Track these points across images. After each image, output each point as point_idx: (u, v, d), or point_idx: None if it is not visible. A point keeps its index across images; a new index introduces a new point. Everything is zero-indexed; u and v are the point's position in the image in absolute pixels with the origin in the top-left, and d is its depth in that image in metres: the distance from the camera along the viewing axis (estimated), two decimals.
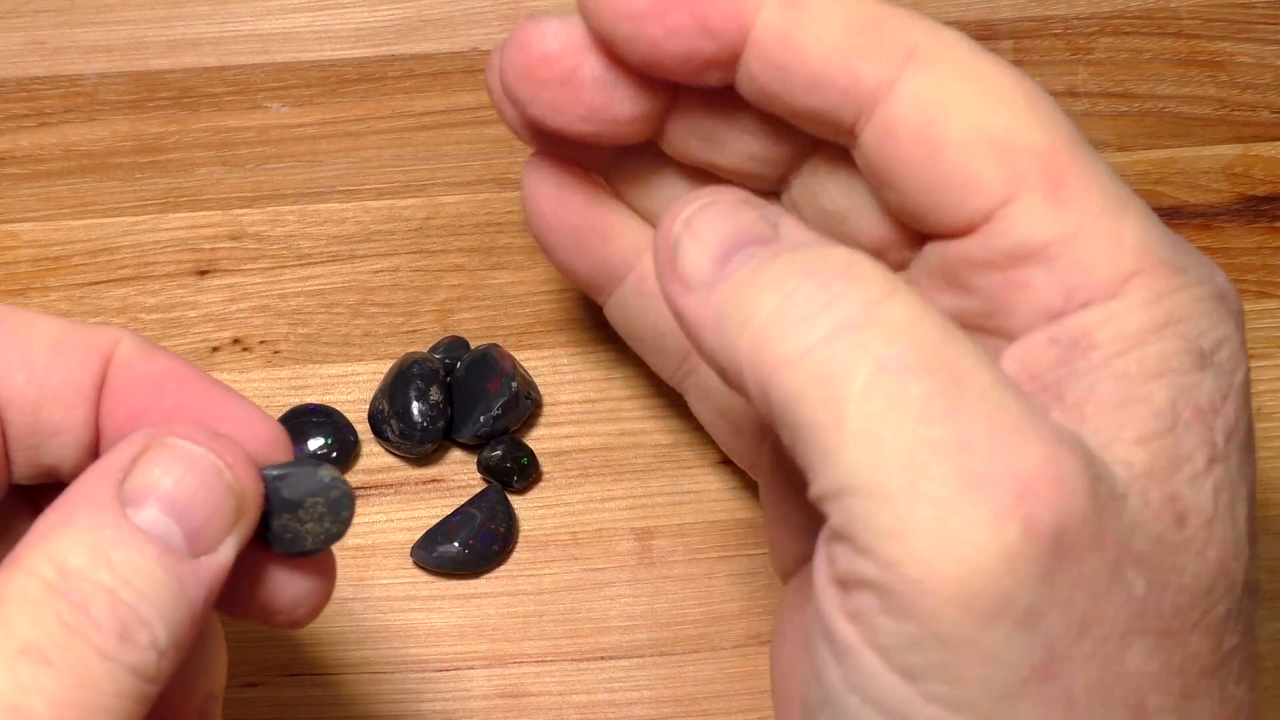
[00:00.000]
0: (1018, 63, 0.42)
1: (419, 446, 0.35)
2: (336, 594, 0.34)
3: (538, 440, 0.36)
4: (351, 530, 0.35)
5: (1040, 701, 0.21)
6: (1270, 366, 0.38)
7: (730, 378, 0.23)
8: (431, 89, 0.41)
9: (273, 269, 0.38)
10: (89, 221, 0.39)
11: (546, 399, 0.37)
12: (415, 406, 0.35)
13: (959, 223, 0.24)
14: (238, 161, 0.40)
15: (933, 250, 0.25)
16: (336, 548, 0.35)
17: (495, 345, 0.36)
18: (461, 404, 0.35)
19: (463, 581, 0.35)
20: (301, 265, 0.38)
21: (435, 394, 0.35)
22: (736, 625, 0.34)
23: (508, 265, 0.38)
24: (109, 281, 0.38)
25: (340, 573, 0.35)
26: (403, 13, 0.42)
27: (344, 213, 0.39)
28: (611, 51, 0.27)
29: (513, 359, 0.36)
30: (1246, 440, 0.23)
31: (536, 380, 0.37)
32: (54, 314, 0.24)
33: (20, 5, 0.42)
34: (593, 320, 0.38)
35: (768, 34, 0.25)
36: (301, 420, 0.36)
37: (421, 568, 0.35)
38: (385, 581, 0.35)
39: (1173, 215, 0.39)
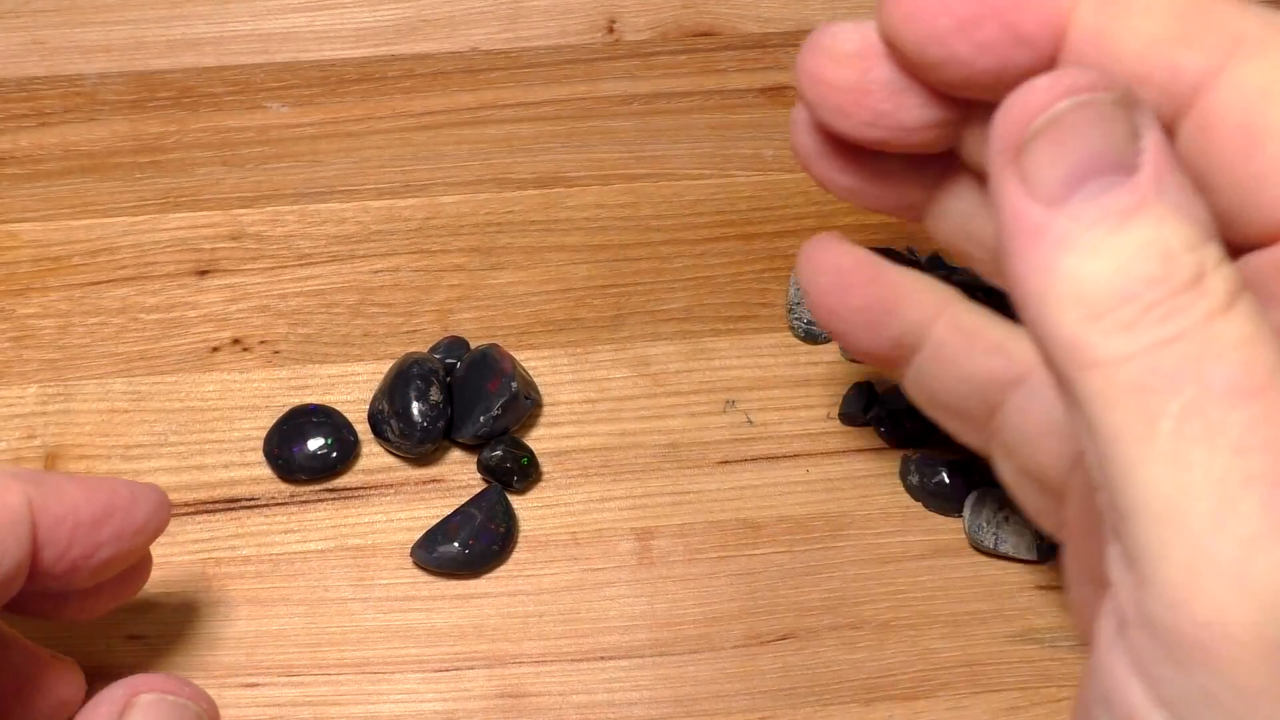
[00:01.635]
0: None
1: (419, 446, 0.35)
2: (336, 594, 0.34)
3: (538, 440, 0.36)
4: (351, 530, 0.35)
5: None
6: None
7: (1020, 309, 0.21)
8: (431, 89, 0.41)
9: (273, 269, 0.38)
10: (89, 221, 0.39)
11: (546, 399, 0.37)
12: (415, 406, 0.35)
13: (1275, 224, 0.22)
14: (238, 161, 0.40)
15: (1243, 263, 0.23)
16: (339, 545, 0.35)
17: (495, 345, 0.36)
18: (461, 404, 0.35)
19: (463, 581, 0.35)
20: (301, 265, 0.38)
21: (435, 394, 0.35)
22: (736, 625, 0.34)
23: (508, 265, 0.38)
24: (109, 281, 0.38)
25: (340, 573, 0.35)
26: (403, 13, 0.42)
27: (344, 213, 0.39)
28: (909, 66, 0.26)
29: (513, 359, 0.36)
30: None
31: (536, 380, 0.37)
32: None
33: (20, 5, 0.42)
34: (593, 320, 0.38)
35: (1083, 33, 0.23)
36: (302, 420, 0.36)
37: (421, 568, 0.35)
38: (385, 581, 0.35)
39: None
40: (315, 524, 0.35)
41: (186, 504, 0.35)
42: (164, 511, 0.30)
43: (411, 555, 0.35)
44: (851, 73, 0.26)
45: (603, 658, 0.34)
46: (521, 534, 0.35)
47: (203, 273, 0.38)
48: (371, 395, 0.36)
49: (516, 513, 0.35)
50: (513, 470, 0.35)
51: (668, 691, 0.33)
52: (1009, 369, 0.29)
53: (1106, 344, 0.20)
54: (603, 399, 0.37)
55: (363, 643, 0.34)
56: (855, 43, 0.26)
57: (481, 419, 0.35)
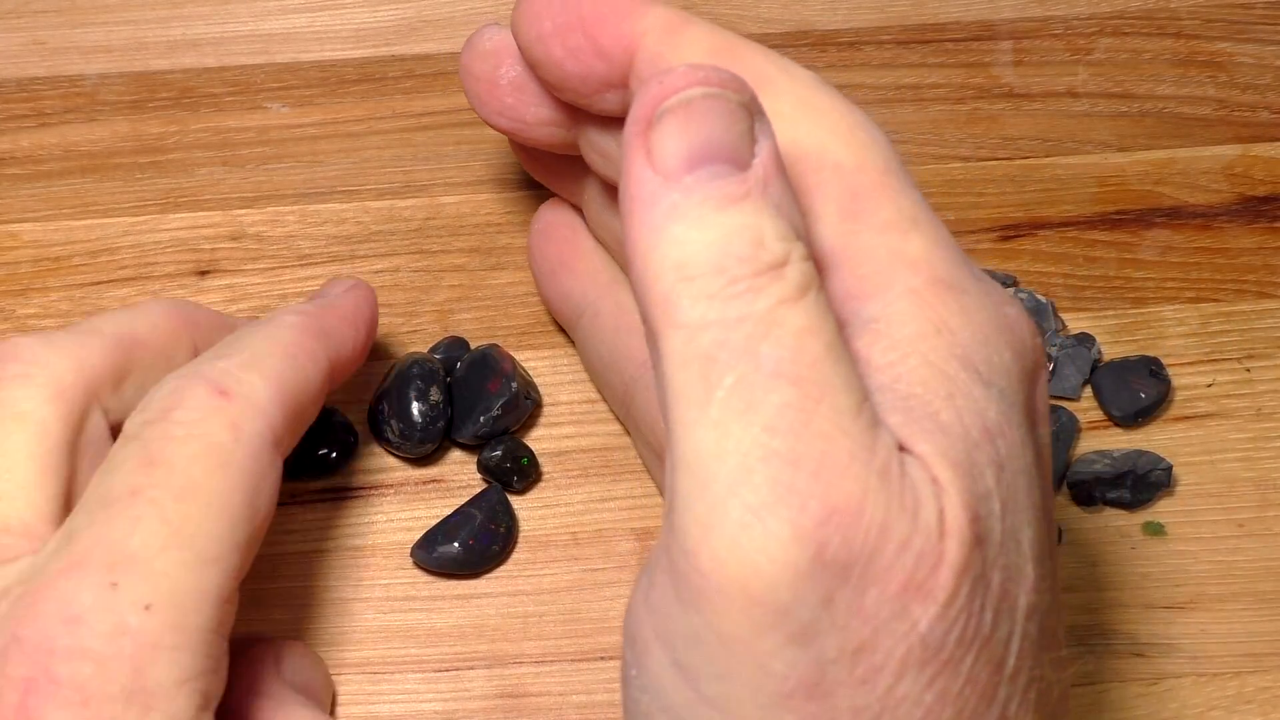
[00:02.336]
0: (1018, 63, 0.42)
1: (419, 447, 0.35)
2: (336, 594, 0.34)
3: (538, 440, 0.36)
4: (351, 530, 0.35)
5: (803, 717, 0.21)
6: (1271, 366, 0.38)
7: (629, 268, 0.23)
8: (431, 89, 0.41)
9: (273, 269, 0.38)
10: (89, 222, 0.39)
11: (546, 399, 0.37)
12: (415, 406, 0.35)
13: None
14: (238, 162, 0.40)
15: None
16: (339, 545, 0.35)
17: (495, 345, 0.36)
18: (461, 404, 0.35)
19: (463, 581, 0.35)
20: (302, 266, 0.38)
21: (435, 394, 0.35)
22: None
23: (508, 265, 0.38)
24: (109, 282, 0.38)
25: (340, 573, 0.35)
26: (403, 13, 0.42)
27: (344, 213, 0.39)
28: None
29: (512, 359, 0.36)
30: (1034, 468, 0.24)
31: (536, 380, 0.37)
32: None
33: (20, 5, 0.42)
34: None
35: (646, 55, 0.27)
36: None
37: (421, 568, 0.35)
38: (385, 581, 0.35)
39: (1173, 215, 0.40)
40: (315, 524, 0.35)
41: None
42: (373, 296, 0.34)
43: (411, 555, 0.35)
44: (487, 67, 0.31)
45: (603, 658, 0.34)
46: (521, 534, 0.35)
47: (203, 273, 0.38)
48: (371, 395, 0.36)
49: (516, 513, 0.35)
50: (513, 470, 0.35)
51: None
52: (644, 351, 0.32)
53: (692, 308, 0.22)
54: (602, 399, 0.37)
55: (363, 643, 0.34)
56: (494, 42, 0.31)
57: (481, 419, 0.35)
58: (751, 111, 0.23)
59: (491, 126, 0.32)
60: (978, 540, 0.22)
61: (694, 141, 0.23)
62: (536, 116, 0.31)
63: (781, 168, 0.23)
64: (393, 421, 0.35)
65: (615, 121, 0.30)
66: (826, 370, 0.22)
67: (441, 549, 0.34)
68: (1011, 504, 0.23)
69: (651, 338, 0.23)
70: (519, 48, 0.30)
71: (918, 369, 0.23)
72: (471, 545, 0.34)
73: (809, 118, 0.25)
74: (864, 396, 0.22)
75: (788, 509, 0.21)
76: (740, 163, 0.23)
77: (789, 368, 0.21)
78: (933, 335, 0.23)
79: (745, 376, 0.21)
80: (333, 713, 0.33)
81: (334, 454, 0.35)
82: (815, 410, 0.21)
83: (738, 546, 0.21)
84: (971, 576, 0.22)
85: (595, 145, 0.31)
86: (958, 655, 0.22)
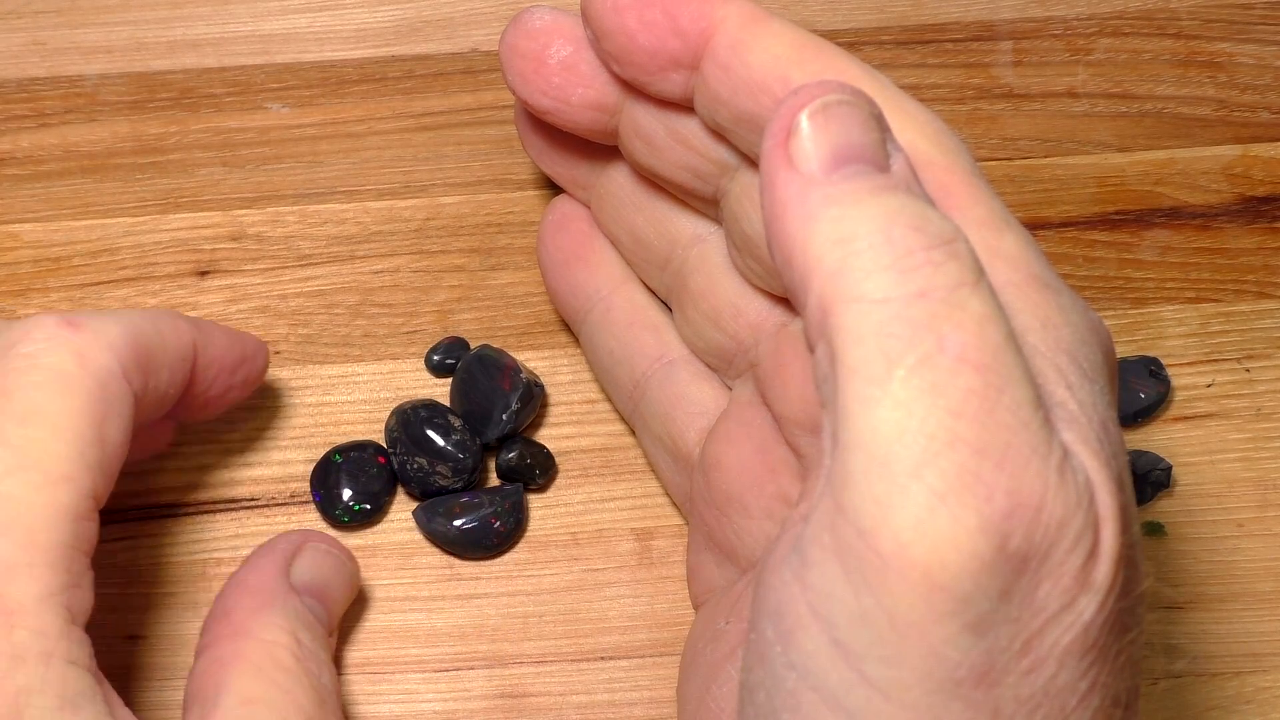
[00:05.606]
0: (1017, 63, 0.42)
1: (475, 470, 0.35)
2: None
3: (539, 440, 0.36)
4: (351, 530, 0.35)
5: (970, 705, 0.21)
6: (1270, 367, 0.38)
7: (784, 268, 0.23)
8: (431, 90, 0.41)
9: (273, 270, 0.38)
10: (89, 222, 0.39)
11: (547, 399, 0.37)
12: (451, 440, 0.34)
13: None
14: (238, 162, 0.40)
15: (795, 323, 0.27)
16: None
17: (487, 345, 0.36)
18: (478, 408, 0.35)
19: (463, 581, 0.35)
20: (302, 266, 0.38)
21: (452, 419, 0.35)
22: None
23: (508, 265, 0.38)
24: (109, 282, 0.38)
25: None
26: (403, 13, 0.42)
27: (344, 213, 0.39)
28: (586, 42, 0.30)
29: (508, 354, 0.36)
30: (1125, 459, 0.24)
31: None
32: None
33: (20, 6, 0.42)
34: None
35: (725, 39, 0.27)
36: (355, 461, 0.35)
37: (424, 533, 0.35)
38: (385, 581, 0.35)
39: (1172, 216, 0.40)
40: (315, 524, 0.35)
41: (186, 504, 0.35)
42: (267, 362, 0.34)
43: (414, 514, 0.35)
44: (536, 45, 0.31)
45: (603, 658, 0.34)
46: (522, 534, 0.35)
47: (203, 273, 0.38)
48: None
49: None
50: (534, 465, 0.35)
51: (668, 691, 0.33)
52: (657, 348, 0.34)
53: (866, 280, 0.22)
54: (602, 399, 0.37)
55: (363, 643, 0.34)
56: (545, 22, 0.31)
57: (503, 416, 0.35)
58: (882, 124, 0.23)
59: (529, 106, 0.32)
60: (1126, 528, 0.22)
61: (836, 142, 0.23)
62: (582, 99, 0.31)
63: (917, 177, 0.23)
64: (439, 468, 0.34)
65: (669, 106, 0.30)
66: (1008, 360, 0.21)
67: (440, 521, 0.34)
68: (1131, 499, 0.23)
69: (818, 319, 0.22)
70: (587, 15, 0.29)
71: (1031, 360, 0.23)
72: (469, 531, 0.34)
73: (898, 118, 0.25)
74: (1038, 391, 0.22)
75: (974, 498, 0.21)
76: (880, 165, 0.23)
77: (973, 354, 0.21)
78: (1039, 329, 0.23)
79: (928, 357, 0.21)
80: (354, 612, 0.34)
81: (368, 505, 0.35)
82: (998, 400, 0.21)
83: (922, 531, 0.21)
84: (1126, 564, 0.22)
85: (641, 130, 0.31)
86: (1111, 642, 0.22)
